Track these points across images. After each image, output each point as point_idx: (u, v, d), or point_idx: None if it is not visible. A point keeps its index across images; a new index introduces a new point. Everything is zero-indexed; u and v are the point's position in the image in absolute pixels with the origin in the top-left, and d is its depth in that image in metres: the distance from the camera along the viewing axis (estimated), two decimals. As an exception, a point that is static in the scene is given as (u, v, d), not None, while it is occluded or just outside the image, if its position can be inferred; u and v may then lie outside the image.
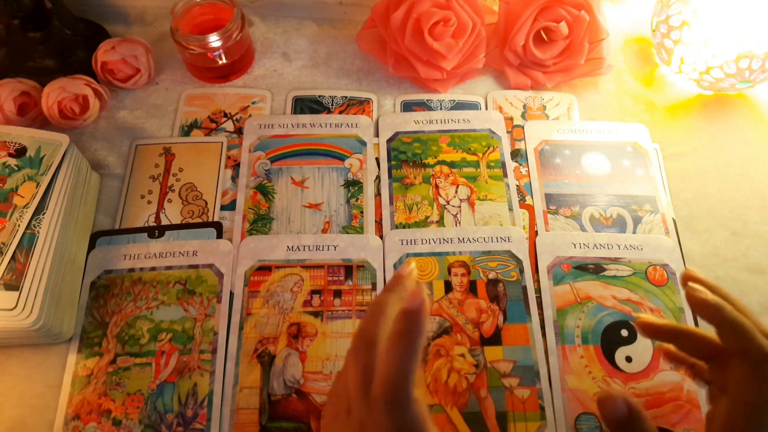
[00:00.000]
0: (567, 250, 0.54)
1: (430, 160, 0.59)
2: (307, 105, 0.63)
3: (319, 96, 0.63)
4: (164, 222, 0.55)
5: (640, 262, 0.53)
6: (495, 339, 0.50)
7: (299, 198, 0.57)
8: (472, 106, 0.63)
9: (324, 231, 0.55)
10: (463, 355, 0.49)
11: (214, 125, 0.61)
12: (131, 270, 0.52)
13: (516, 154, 0.60)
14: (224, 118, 0.61)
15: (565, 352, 0.49)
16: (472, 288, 0.52)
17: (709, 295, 0.36)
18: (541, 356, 0.49)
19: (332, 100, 0.63)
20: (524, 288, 0.52)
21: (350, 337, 0.49)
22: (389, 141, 0.60)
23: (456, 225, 0.55)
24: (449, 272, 0.52)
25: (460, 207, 0.56)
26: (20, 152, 0.49)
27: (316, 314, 0.50)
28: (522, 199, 0.57)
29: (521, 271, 0.53)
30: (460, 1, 0.59)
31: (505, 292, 0.52)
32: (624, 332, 0.50)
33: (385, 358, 0.31)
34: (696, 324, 0.51)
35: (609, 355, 0.49)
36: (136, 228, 0.54)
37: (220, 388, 0.47)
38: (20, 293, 0.43)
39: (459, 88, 0.65)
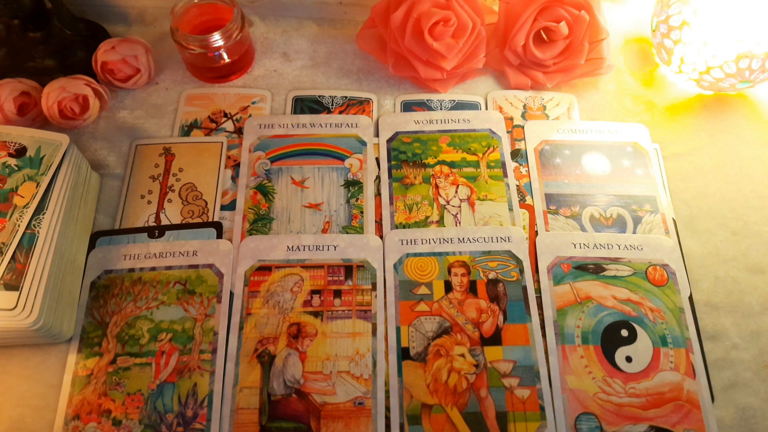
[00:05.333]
0: (567, 250, 0.54)
1: (430, 160, 0.59)
2: (307, 105, 0.63)
3: (319, 96, 0.63)
4: (164, 222, 0.55)
5: (640, 262, 0.53)
6: (495, 339, 0.50)
7: (299, 198, 0.57)
8: (472, 106, 0.63)
9: (324, 231, 0.55)
10: (463, 355, 0.49)
11: (214, 125, 0.61)
12: (131, 270, 0.52)
13: (516, 154, 0.60)
14: (224, 118, 0.61)
15: (565, 352, 0.49)
16: (472, 288, 0.52)
17: None
18: (541, 356, 0.49)
19: (332, 100, 0.63)
20: (524, 288, 0.52)
21: (350, 337, 0.49)
22: (389, 141, 0.60)
23: (456, 225, 0.55)
24: (449, 272, 0.52)
25: (460, 207, 0.56)
26: (20, 152, 0.49)
27: (316, 314, 0.50)
28: (522, 199, 0.57)
29: (521, 271, 0.53)
30: (460, 1, 0.59)
31: (505, 292, 0.52)
32: (624, 332, 0.50)
33: None
34: (696, 325, 0.51)
35: (609, 355, 0.49)
36: (136, 228, 0.54)
37: (220, 388, 0.47)
38: (20, 293, 0.43)
39: (459, 88, 0.65)
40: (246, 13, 0.65)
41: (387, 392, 0.48)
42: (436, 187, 0.57)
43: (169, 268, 0.52)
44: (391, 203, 0.56)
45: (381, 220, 0.56)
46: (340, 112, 0.62)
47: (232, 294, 0.51)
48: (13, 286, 0.43)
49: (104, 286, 0.51)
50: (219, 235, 0.54)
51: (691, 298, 0.52)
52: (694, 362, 0.49)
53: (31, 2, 0.57)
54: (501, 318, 0.50)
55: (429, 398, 0.47)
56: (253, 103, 0.62)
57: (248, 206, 0.56)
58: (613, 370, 0.49)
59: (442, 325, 0.50)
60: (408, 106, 0.63)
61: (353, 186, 0.57)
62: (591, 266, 0.53)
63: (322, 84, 0.64)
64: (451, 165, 0.58)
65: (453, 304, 0.51)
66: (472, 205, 0.56)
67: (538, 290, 0.52)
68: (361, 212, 0.56)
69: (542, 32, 0.63)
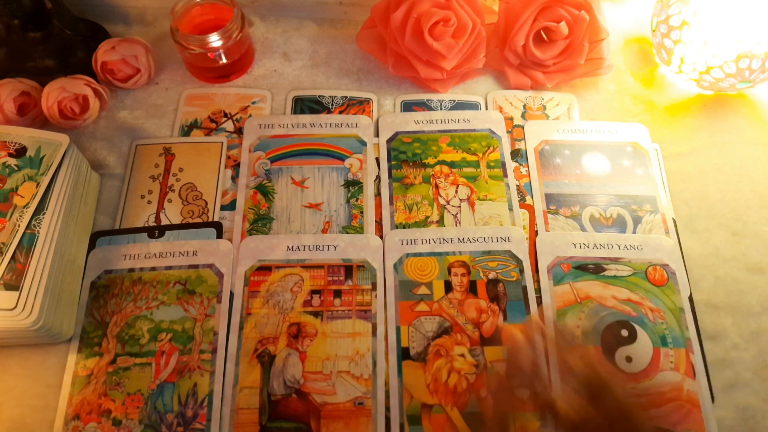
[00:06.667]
0: (567, 250, 0.54)
1: (430, 160, 0.59)
2: (307, 105, 0.63)
3: (319, 96, 0.63)
4: (164, 222, 0.55)
5: (640, 262, 0.53)
6: (495, 339, 0.50)
7: (299, 198, 0.57)
8: (472, 106, 0.63)
9: (324, 231, 0.55)
10: (463, 355, 0.49)
11: (214, 125, 0.61)
12: (131, 270, 0.52)
13: (516, 154, 0.60)
14: (224, 118, 0.61)
15: (565, 352, 0.49)
16: (472, 288, 0.52)
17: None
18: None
19: (332, 100, 0.63)
20: (524, 288, 0.52)
21: (350, 337, 0.49)
22: (389, 141, 0.60)
23: (456, 225, 0.55)
24: (449, 272, 0.52)
25: (460, 207, 0.56)
26: (20, 152, 0.49)
27: (316, 314, 0.50)
28: (522, 199, 0.57)
29: (521, 271, 0.52)
30: (460, 1, 0.59)
31: (505, 292, 0.52)
32: (624, 332, 0.50)
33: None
34: (696, 325, 0.51)
35: (609, 355, 0.49)
36: (136, 228, 0.54)
37: (220, 388, 0.47)
38: (20, 293, 0.43)
39: (459, 88, 0.65)
40: (246, 13, 0.65)
41: (387, 392, 0.47)
42: (436, 187, 0.57)
43: (169, 268, 0.52)
44: (391, 203, 0.56)
45: (381, 220, 0.56)
46: (340, 112, 0.62)
47: (232, 294, 0.51)
48: (13, 286, 0.43)
49: (104, 286, 0.51)
50: (219, 235, 0.54)
51: (691, 298, 0.52)
52: (694, 362, 0.49)
53: (31, 2, 0.57)
54: (501, 318, 0.50)
55: (429, 398, 0.47)
56: (253, 103, 0.62)
57: (248, 206, 0.56)
58: (613, 370, 0.48)
59: (442, 325, 0.50)
60: (408, 106, 0.63)
61: (353, 186, 0.57)
62: (591, 266, 0.53)
63: (322, 84, 0.64)
64: (451, 165, 0.58)
65: (453, 304, 0.51)
66: (472, 205, 0.56)
67: (538, 290, 0.52)
68: (361, 212, 0.56)
69: (542, 32, 0.63)
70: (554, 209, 0.56)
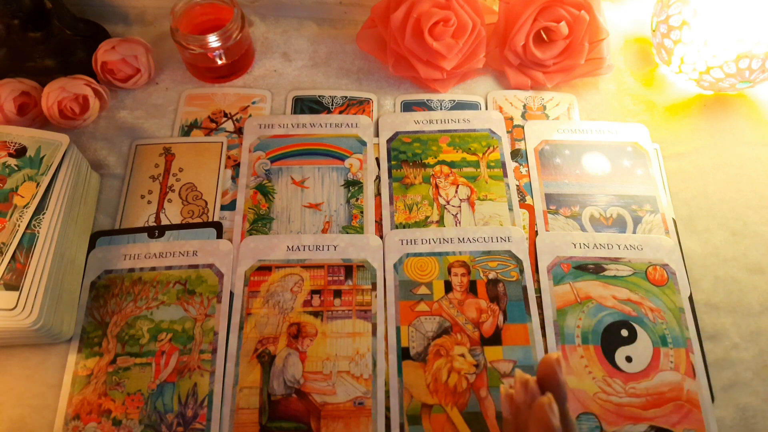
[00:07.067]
0: (567, 250, 0.54)
1: (430, 160, 0.59)
2: (307, 105, 0.63)
3: (319, 96, 0.63)
4: (164, 222, 0.55)
5: (640, 262, 0.53)
6: (495, 339, 0.50)
7: (299, 198, 0.57)
8: (472, 106, 0.63)
9: (324, 231, 0.55)
10: (463, 355, 0.49)
11: (214, 125, 0.61)
12: (131, 270, 0.52)
13: (516, 154, 0.60)
14: (224, 118, 0.61)
15: (565, 352, 0.49)
16: (472, 288, 0.52)
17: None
18: (541, 356, 0.49)
19: (332, 100, 0.63)
20: (524, 288, 0.52)
21: (350, 337, 0.49)
22: (389, 141, 0.60)
23: (456, 225, 0.55)
24: (449, 272, 0.52)
25: (460, 207, 0.56)
26: (20, 152, 0.49)
27: (316, 314, 0.50)
28: (522, 199, 0.57)
29: (521, 271, 0.53)
30: (460, 1, 0.59)
31: (505, 292, 0.52)
32: (624, 332, 0.50)
33: None
34: (696, 325, 0.51)
35: (609, 355, 0.49)
36: (136, 228, 0.54)
37: (220, 388, 0.47)
38: (20, 293, 0.43)
39: (459, 88, 0.65)
40: (246, 13, 0.65)
41: (387, 392, 0.47)
42: (436, 187, 0.57)
43: (169, 268, 0.52)
44: (391, 203, 0.56)
45: (381, 220, 0.56)
46: (340, 112, 0.62)
47: (232, 294, 0.51)
48: (13, 286, 0.43)
49: (104, 286, 0.51)
50: (219, 235, 0.54)
51: (691, 298, 0.52)
52: (694, 362, 0.49)
53: (31, 2, 0.57)
54: (501, 318, 0.50)
55: (429, 398, 0.47)
56: (253, 103, 0.62)
57: (248, 206, 0.56)
58: (613, 370, 0.49)
59: (442, 325, 0.50)
60: (408, 106, 0.63)
61: (353, 186, 0.57)
62: (591, 266, 0.53)
63: (322, 84, 0.64)
64: (451, 165, 0.58)
65: (453, 304, 0.51)
66: (472, 205, 0.56)
67: (538, 290, 0.52)
68: (361, 212, 0.56)
69: (542, 32, 0.63)
70: (554, 209, 0.56)
